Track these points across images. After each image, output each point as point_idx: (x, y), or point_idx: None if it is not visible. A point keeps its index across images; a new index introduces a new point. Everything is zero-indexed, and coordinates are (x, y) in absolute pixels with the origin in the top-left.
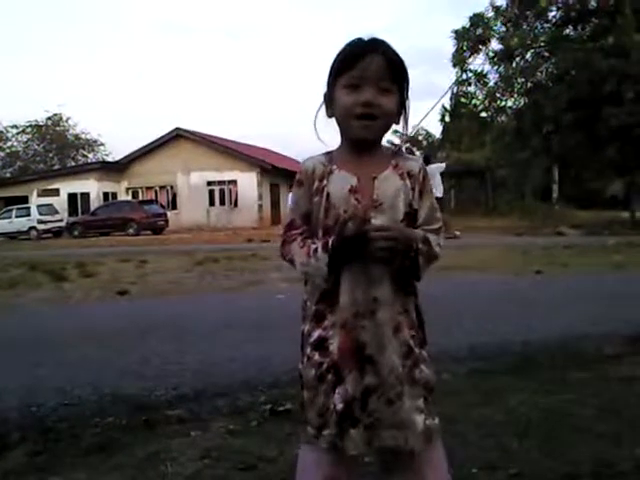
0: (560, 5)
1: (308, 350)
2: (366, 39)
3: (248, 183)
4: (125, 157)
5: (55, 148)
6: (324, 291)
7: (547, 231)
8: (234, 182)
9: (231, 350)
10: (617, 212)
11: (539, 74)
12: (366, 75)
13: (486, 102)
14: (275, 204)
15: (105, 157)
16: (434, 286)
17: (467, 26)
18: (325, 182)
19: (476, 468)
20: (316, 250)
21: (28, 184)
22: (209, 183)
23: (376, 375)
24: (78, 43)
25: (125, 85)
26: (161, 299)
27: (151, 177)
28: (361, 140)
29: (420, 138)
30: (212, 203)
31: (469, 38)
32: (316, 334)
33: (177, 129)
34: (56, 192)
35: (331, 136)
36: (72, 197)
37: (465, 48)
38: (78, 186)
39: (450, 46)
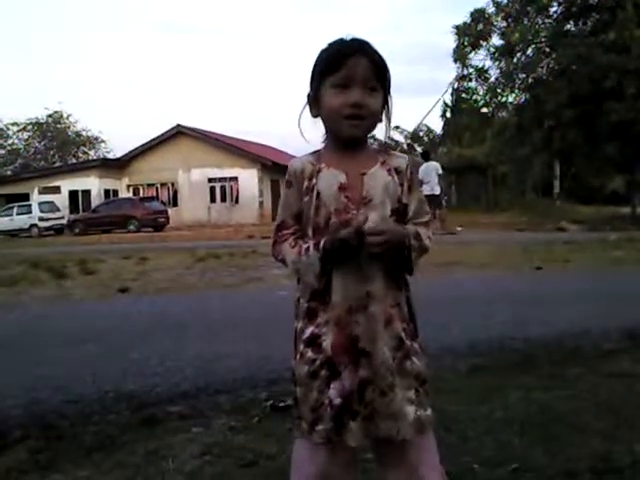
0: (561, 0)
1: (301, 347)
2: (348, 39)
3: (249, 180)
4: (126, 154)
5: (56, 145)
6: (316, 289)
7: (548, 227)
8: (235, 179)
9: (232, 347)
10: (618, 207)
11: (540, 69)
12: (353, 75)
13: (487, 98)
14: (276, 201)
15: (106, 154)
16: (434, 282)
17: (468, 21)
18: (314, 181)
19: (476, 464)
20: (308, 248)
21: (29, 181)
22: (210, 180)
23: (370, 367)
24: (79, 40)
25: (126, 82)
26: (162, 296)
27: (152, 174)
28: (350, 138)
29: (421, 134)
30: (213, 200)
31: (470, 34)
32: (309, 331)
33: (178, 126)
34: (57, 189)
35: (315, 135)
36: (73, 194)
37: (466, 44)
38: (79, 183)
39: (451, 42)
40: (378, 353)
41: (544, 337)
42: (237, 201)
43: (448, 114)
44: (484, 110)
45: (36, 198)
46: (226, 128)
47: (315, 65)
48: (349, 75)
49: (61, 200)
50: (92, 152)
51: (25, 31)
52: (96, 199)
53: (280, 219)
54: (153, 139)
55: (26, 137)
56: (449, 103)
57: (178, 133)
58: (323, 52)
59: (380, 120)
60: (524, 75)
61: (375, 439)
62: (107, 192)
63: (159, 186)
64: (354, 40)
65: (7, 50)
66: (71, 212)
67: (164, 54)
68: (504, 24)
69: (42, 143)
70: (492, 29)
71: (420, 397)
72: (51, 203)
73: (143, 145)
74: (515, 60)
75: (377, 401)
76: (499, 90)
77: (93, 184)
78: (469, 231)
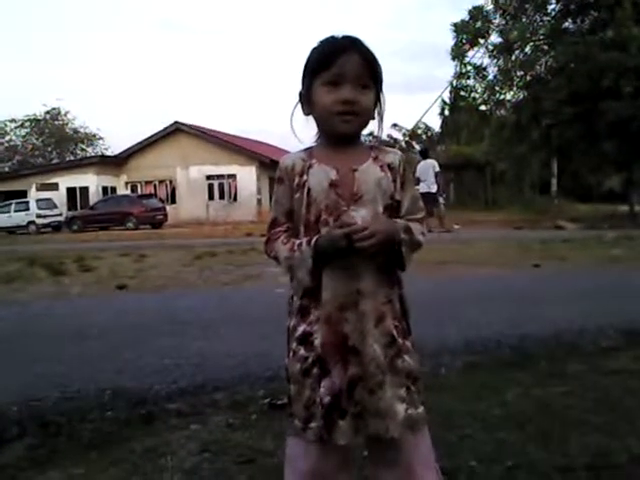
0: None
1: (294, 345)
2: (340, 37)
3: (247, 177)
4: (124, 151)
5: (54, 142)
6: (308, 286)
7: (546, 225)
8: (233, 176)
9: (230, 344)
10: (616, 205)
11: (538, 67)
12: (345, 73)
13: (485, 95)
14: None
15: (104, 151)
16: (431, 280)
17: (466, 19)
18: (305, 177)
19: (473, 461)
20: (300, 245)
21: (27, 178)
22: (208, 177)
23: (359, 365)
24: (77, 38)
25: (124, 79)
26: (160, 293)
27: (150, 171)
28: (342, 135)
29: (419, 132)
30: (211, 197)
31: (468, 31)
32: (301, 329)
33: (176, 123)
34: (55, 186)
35: (308, 133)
36: (71, 191)
37: (464, 41)
38: (77, 180)
39: (449, 39)
40: (368, 351)
41: (541, 334)
42: (235, 199)
43: (446, 112)
44: (482, 108)
45: (34, 195)
46: (225, 126)
47: (306, 63)
48: (340, 73)
49: (59, 197)
50: (90, 149)
51: (23, 28)
52: (94, 196)
53: (272, 216)
54: (151, 136)
55: (24, 134)
56: (447, 101)
57: (176, 130)
58: (314, 50)
59: (373, 117)
60: (522, 73)
61: (367, 437)
62: (105, 189)
63: (157, 183)
64: (345, 37)
65: (5, 47)
66: (69, 209)
67: (163, 52)
68: (502, 22)
69: (40, 140)
70: (490, 27)
71: (411, 395)
72: (49, 200)
73: (141, 142)
74: (513, 58)
75: (366, 399)
76: (497, 88)
77: (91, 181)
78: (467, 229)
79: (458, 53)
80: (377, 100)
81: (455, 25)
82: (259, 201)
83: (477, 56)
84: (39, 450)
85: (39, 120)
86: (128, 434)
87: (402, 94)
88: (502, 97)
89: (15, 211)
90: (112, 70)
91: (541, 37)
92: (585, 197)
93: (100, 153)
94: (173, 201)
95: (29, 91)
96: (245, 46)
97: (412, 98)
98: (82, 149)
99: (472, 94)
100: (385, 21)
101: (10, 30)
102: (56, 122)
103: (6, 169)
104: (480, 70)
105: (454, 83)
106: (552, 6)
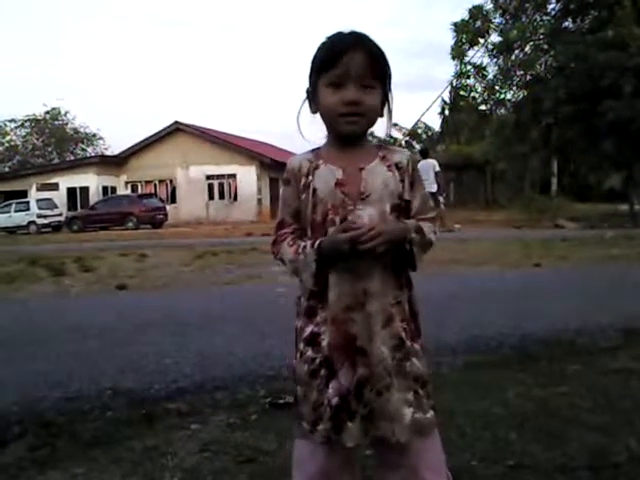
0: None
1: (301, 346)
2: (346, 33)
3: (247, 177)
4: (124, 151)
5: (54, 142)
6: (322, 285)
7: (546, 224)
8: (233, 176)
9: (231, 343)
10: (616, 205)
11: (538, 67)
12: (348, 73)
13: (485, 95)
14: (274, 198)
15: (104, 151)
16: (432, 280)
17: (466, 18)
18: (311, 178)
19: (474, 460)
20: (304, 248)
21: (27, 178)
22: (208, 177)
23: (367, 367)
24: (77, 37)
25: (124, 79)
26: (160, 293)
27: (150, 171)
28: (347, 136)
29: (419, 131)
30: (211, 197)
31: (468, 30)
32: (309, 330)
33: (176, 123)
34: (55, 186)
35: (315, 132)
36: (71, 191)
37: (464, 41)
38: (77, 180)
39: (450, 38)
40: (375, 352)
41: (542, 334)
42: (235, 198)
43: (446, 111)
44: (482, 107)
45: (34, 195)
46: (225, 125)
47: (312, 60)
48: (344, 73)
49: (59, 197)
50: (90, 149)
51: (23, 28)
52: (94, 196)
53: (279, 218)
54: (151, 136)
55: (24, 134)
56: (447, 100)
57: (176, 130)
58: (320, 47)
59: (381, 115)
60: (522, 72)
61: (374, 439)
62: (105, 189)
63: (157, 183)
64: (351, 34)
65: (5, 47)
66: (69, 209)
67: (163, 51)
68: (502, 21)
69: (40, 140)
70: (490, 26)
71: (419, 399)
72: (49, 200)
73: (141, 142)
74: (513, 57)
75: (374, 401)
76: (497, 87)
77: (91, 181)
78: (467, 228)
79: (458, 52)
80: (385, 98)
81: (455, 24)
82: (259, 201)
83: (477, 55)
84: (40, 450)
85: (39, 120)
86: (129, 434)
87: (402, 92)
88: (502, 96)
89: (15, 211)
90: (112, 70)
91: (541, 36)
92: (585, 196)
93: (100, 153)
94: (173, 201)
95: (29, 91)
96: (246, 45)
97: (412, 97)
98: (82, 149)
99: (472, 93)
100: (385, 19)
101: (10, 30)
102: (56, 122)
103: (6, 169)
104: (480, 69)
105: (454, 83)
106: (552, 5)
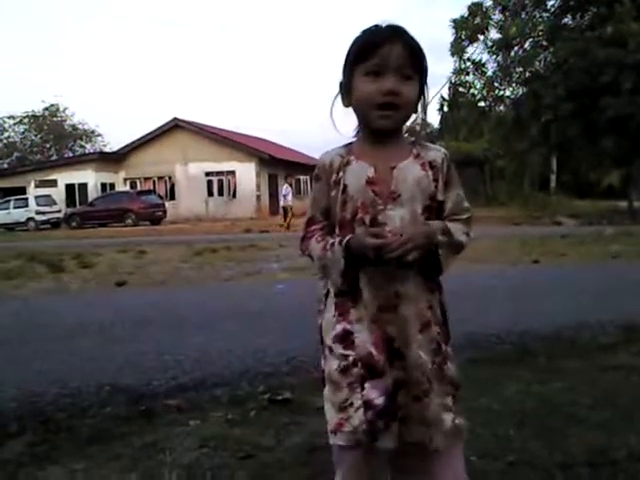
0: None
1: (330, 342)
2: (384, 26)
3: (246, 174)
4: (123, 147)
5: (52, 139)
6: (351, 283)
7: (545, 221)
8: (232, 173)
9: (230, 340)
10: (615, 201)
11: (537, 63)
12: (387, 63)
13: (484, 91)
14: (273, 195)
15: (103, 147)
16: None
17: (466, 15)
18: (341, 174)
19: (473, 457)
20: (332, 245)
21: (25, 175)
22: (207, 173)
23: (403, 370)
24: (76, 34)
25: (123, 75)
26: (159, 290)
27: (149, 167)
28: (379, 130)
29: (418, 128)
30: (210, 193)
31: (467, 27)
32: (340, 327)
33: (175, 119)
34: (54, 183)
35: (348, 126)
36: (70, 188)
37: (463, 37)
38: (76, 177)
39: (449, 35)
40: (413, 357)
41: (541, 330)
42: (234, 195)
43: (445, 108)
44: (481, 104)
45: (33, 191)
46: (224, 122)
47: (348, 52)
48: (382, 62)
49: (58, 193)
50: (89, 145)
51: (22, 25)
52: (93, 192)
53: (309, 214)
54: (150, 132)
55: (22, 130)
56: (446, 97)
57: (175, 127)
58: (357, 39)
59: (415, 111)
60: (521, 69)
61: (401, 445)
62: (104, 185)
63: (156, 179)
64: (389, 26)
65: (3, 43)
66: (68, 206)
67: (162, 48)
68: (502, 18)
69: (38, 136)
70: (489, 23)
71: (457, 404)
72: (48, 197)
73: (140, 138)
74: (512, 54)
75: (410, 406)
76: (496, 84)
77: (90, 177)
78: None
79: (457, 49)
80: (421, 92)
81: (454, 21)
82: (258, 197)
83: (476, 52)
84: (39, 446)
85: (38, 116)
86: (128, 430)
87: None
88: (501, 93)
89: (14, 208)
90: (110, 66)
91: (540, 33)
92: (584, 193)
93: (99, 149)
94: (172, 197)
95: (27, 87)
96: (244, 42)
97: None
98: (81, 145)
99: (471, 90)
100: (385, 16)
101: (8, 26)
102: (55, 118)
103: (5, 166)
104: (479, 66)
105: (453, 79)
106: (551, 2)
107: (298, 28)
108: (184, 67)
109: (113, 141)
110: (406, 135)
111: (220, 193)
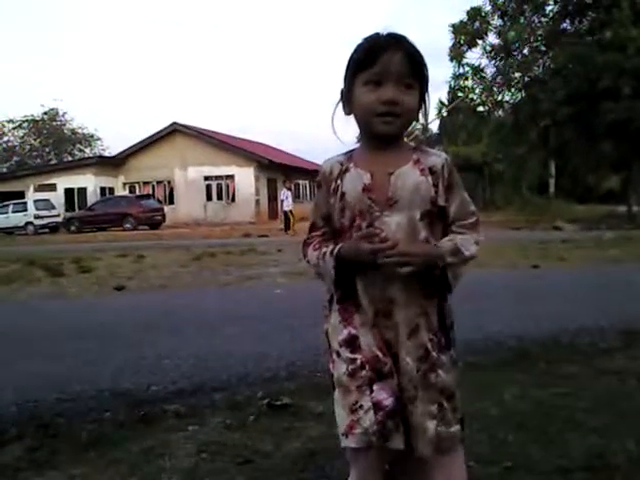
0: None
1: (337, 347)
2: (384, 34)
3: (245, 178)
4: (122, 152)
5: (52, 143)
6: (347, 291)
7: (544, 225)
8: (231, 177)
9: (229, 345)
10: (614, 206)
11: (536, 68)
12: (388, 71)
13: (483, 96)
14: (272, 199)
15: (102, 152)
16: None
17: (464, 20)
18: (340, 182)
19: (471, 462)
20: (325, 254)
21: (25, 179)
22: (206, 178)
23: (396, 374)
24: (75, 38)
25: (122, 80)
26: (158, 294)
27: (148, 172)
28: (382, 136)
29: (416, 133)
30: (209, 198)
31: (466, 32)
32: (346, 331)
33: (174, 124)
34: (53, 187)
35: (349, 134)
36: (69, 192)
37: (462, 42)
38: (75, 181)
39: (448, 40)
40: (401, 363)
41: (540, 335)
42: (233, 199)
43: (444, 113)
44: (480, 109)
45: (32, 196)
46: (223, 126)
47: (349, 60)
48: (382, 71)
49: (57, 198)
50: (88, 150)
51: (21, 28)
52: (92, 197)
53: (311, 220)
54: (149, 137)
55: (22, 134)
56: (445, 102)
57: (174, 131)
58: (357, 47)
59: (416, 119)
60: (520, 74)
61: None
62: (103, 190)
63: (155, 184)
64: (389, 34)
65: (2, 47)
66: (67, 210)
67: (161, 53)
68: (500, 23)
69: (38, 140)
70: (488, 27)
71: (444, 412)
72: (47, 201)
73: (139, 143)
74: (511, 59)
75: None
76: (495, 89)
77: (89, 182)
78: None
79: (456, 54)
80: (422, 100)
81: (453, 26)
82: (257, 202)
83: (475, 57)
84: (38, 451)
85: (37, 121)
86: (126, 435)
87: None
88: (500, 98)
89: (13, 212)
90: (110, 71)
91: (539, 38)
92: (583, 198)
93: (98, 154)
94: (171, 202)
95: (27, 92)
96: (244, 46)
97: None
98: (80, 150)
99: (470, 95)
100: (383, 21)
101: (7, 30)
102: (54, 123)
103: (4, 170)
104: (478, 71)
105: (452, 84)
106: (550, 7)
107: (298, 32)
108: (184, 71)
109: (112, 145)
110: (407, 140)
111: (219, 197)
